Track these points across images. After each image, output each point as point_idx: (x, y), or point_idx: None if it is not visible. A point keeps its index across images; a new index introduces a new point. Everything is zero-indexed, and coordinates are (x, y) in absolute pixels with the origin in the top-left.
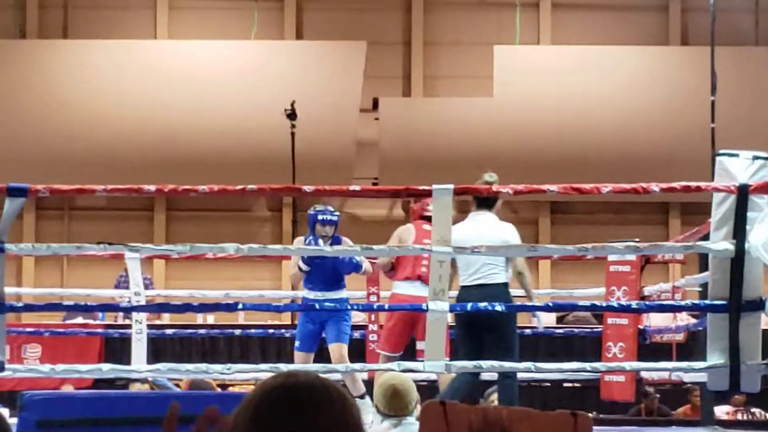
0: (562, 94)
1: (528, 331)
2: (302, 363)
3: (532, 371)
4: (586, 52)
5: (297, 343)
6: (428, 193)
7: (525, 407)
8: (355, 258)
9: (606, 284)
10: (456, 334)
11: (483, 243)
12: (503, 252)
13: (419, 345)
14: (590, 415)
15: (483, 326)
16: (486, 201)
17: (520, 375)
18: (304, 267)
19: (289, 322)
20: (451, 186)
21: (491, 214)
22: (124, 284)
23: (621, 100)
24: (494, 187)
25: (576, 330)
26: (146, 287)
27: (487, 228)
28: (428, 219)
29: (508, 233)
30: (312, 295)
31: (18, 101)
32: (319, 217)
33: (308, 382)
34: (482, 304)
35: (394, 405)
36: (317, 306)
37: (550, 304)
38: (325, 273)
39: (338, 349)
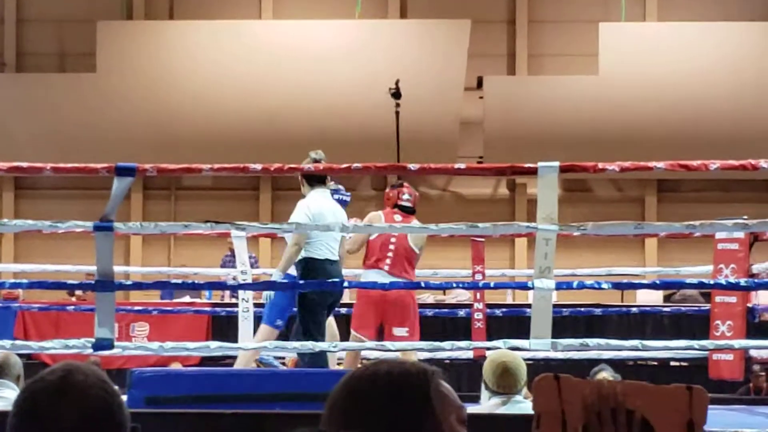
0: (669, 71)
1: (635, 309)
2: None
3: (640, 349)
4: (692, 29)
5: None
6: (533, 171)
7: (638, 381)
8: None
9: (714, 262)
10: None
11: (337, 218)
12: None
13: (396, 331)
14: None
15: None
16: (322, 178)
17: (628, 353)
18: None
19: None
20: (557, 164)
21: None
22: (230, 264)
23: (728, 76)
24: (599, 165)
25: (683, 308)
26: (252, 266)
27: (334, 204)
28: (401, 208)
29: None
30: None
31: (124, 82)
32: (335, 196)
33: (397, 371)
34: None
35: (504, 382)
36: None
37: (657, 282)
38: None
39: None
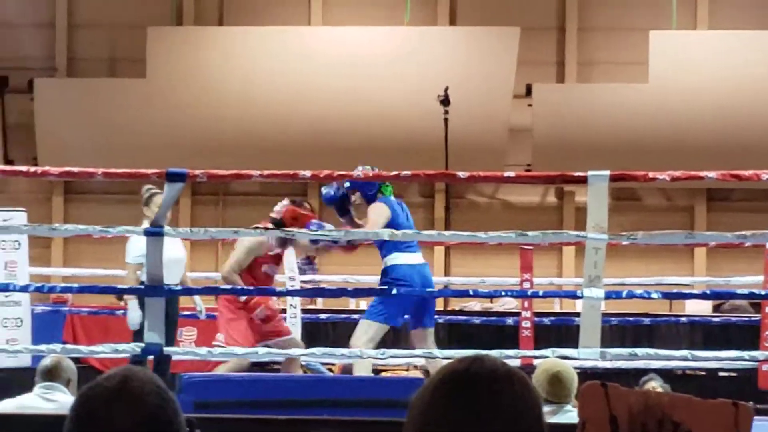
0: (720, 80)
1: (684, 319)
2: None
3: (689, 359)
4: (744, 37)
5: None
6: (583, 180)
7: (684, 395)
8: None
9: (764, 272)
10: None
11: None
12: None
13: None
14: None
15: None
16: None
17: (676, 363)
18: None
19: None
20: (607, 172)
21: None
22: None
23: None
24: (650, 174)
25: (733, 319)
26: (303, 272)
27: None
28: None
29: None
30: None
31: (174, 88)
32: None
33: (492, 369)
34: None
35: (556, 392)
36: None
37: (707, 292)
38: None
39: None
